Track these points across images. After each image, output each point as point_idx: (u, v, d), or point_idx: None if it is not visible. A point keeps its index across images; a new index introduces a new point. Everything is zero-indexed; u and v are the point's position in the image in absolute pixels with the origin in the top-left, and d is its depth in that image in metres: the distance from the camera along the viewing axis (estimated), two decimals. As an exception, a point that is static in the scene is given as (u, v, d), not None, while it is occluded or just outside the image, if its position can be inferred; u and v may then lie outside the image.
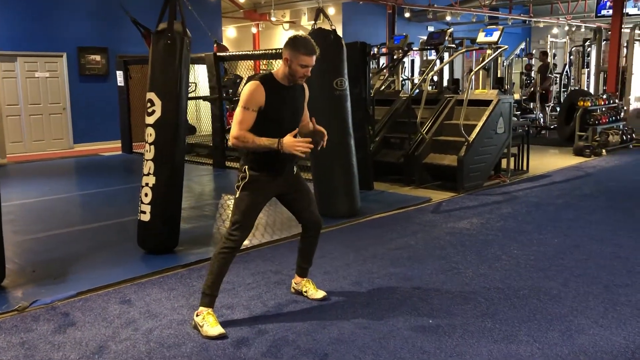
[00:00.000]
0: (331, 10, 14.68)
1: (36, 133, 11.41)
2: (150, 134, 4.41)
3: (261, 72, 13.03)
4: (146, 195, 4.45)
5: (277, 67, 3.27)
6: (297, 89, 3.32)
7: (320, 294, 3.68)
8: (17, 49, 10.94)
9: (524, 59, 14.92)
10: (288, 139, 3.08)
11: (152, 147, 4.41)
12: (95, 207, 6.65)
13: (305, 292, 3.70)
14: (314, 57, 3.17)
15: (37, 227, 5.57)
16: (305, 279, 3.74)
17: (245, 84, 3.30)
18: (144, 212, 4.48)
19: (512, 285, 3.86)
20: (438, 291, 3.78)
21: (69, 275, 4.12)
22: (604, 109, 10.29)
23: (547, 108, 12.86)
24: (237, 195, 3.27)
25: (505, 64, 11.87)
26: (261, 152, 3.17)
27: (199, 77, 11.20)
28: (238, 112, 3.14)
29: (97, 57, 11.94)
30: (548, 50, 13.90)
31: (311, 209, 3.52)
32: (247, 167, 3.24)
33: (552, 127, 12.95)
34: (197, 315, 3.24)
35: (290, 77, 3.19)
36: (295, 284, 3.77)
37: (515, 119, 8.40)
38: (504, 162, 7.88)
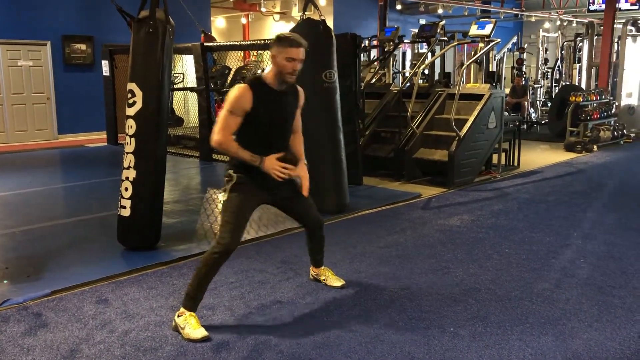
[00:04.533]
0: (322, 1, 14.46)
1: (19, 123, 11.14)
2: (131, 126, 4.24)
3: (250, 63, 12.84)
4: (126, 189, 4.29)
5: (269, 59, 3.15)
6: (289, 94, 3.22)
7: (339, 282, 3.70)
8: (-1, 37, 10.68)
9: (515, 53, 14.82)
10: (270, 160, 3.05)
11: (133, 139, 4.24)
12: (76, 200, 6.46)
13: (324, 280, 3.73)
14: (302, 50, 3.07)
15: (13, 222, 5.37)
16: (323, 267, 3.77)
17: (232, 86, 3.22)
18: (124, 207, 4.32)
19: (503, 286, 3.74)
20: (427, 292, 3.65)
21: (44, 273, 3.96)
22: (595, 105, 10.21)
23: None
24: (225, 198, 3.17)
25: (497, 58, 11.75)
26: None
27: (187, 67, 10.98)
28: (223, 115, 3.04)
29: (83, 46, 11.67)
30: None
31: (311, 212, 3.48)
32: (232, 170, 3.16)
33: (543, 122, 12.88)
34: (178, 316, 3.09)
35: (279, 74, 3.09)
36: (315, 274, 3.79)
37: (507, 113, 8.29)
38: (495, 157, 7.78)
